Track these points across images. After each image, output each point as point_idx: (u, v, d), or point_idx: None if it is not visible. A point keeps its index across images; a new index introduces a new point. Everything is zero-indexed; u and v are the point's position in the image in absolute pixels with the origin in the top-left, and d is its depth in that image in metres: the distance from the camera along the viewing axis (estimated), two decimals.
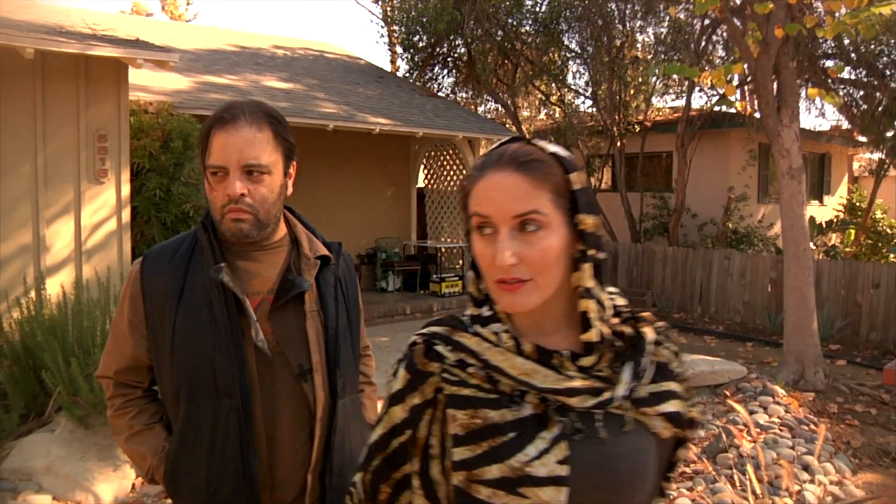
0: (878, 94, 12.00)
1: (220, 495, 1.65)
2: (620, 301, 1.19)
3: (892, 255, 13.94)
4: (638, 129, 13.70)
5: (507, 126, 14.33)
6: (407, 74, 15.41)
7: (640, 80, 13.72)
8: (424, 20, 13.94)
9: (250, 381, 1.65)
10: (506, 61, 14.59)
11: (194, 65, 10.20)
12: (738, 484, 4.37)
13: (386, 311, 10.20)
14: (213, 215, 1.68)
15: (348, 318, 1.81)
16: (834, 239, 14.40)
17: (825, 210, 15.37)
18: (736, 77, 8.98)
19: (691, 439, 1.21)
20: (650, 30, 13.68)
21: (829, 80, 11.78)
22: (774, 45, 6.58)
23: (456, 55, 15.08)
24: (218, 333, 1.64)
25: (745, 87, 10.08)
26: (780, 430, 5.20)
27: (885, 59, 11.59)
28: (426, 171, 12.80)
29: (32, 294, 5.07)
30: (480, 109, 16.60)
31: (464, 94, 16.25)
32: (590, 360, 1.08)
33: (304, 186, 11.08)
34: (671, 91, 14.38)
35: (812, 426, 5.40)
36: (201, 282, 1.67)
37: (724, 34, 11.91)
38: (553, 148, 1.10)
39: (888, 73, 11.64)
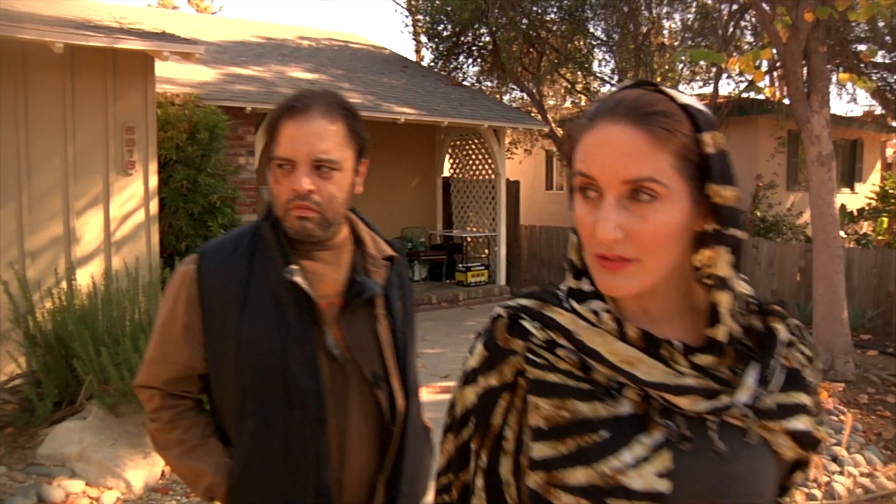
0: None
1: None
2: (746, 288, 0.99)
3: None
4: None
5: (533, 114, 14.26)
6: (432, 64, 15.38)
7: (666, 66, 13.58)
8: (449, 9, 13.90)
9: (324, 389, 1.53)
10: (531, 49, 14.51)
11: (220, 56, 10.27)
12: None
13: None
14: (276, 210, 1.56)
15: (408, 320, 1.71)
16: (866, 227, 14.18)
17: (857, 198, 15.13)
18: (764, 63, 8.86)
19: (811, 462, 1.00)
20: (677, 16, 13.57)
21: (862, 65, 11.57)
22: (804, 30, 6.47)
23: (481, 44, 15.02)
24: (289, 338, 1.52)
25: (774, 73, 9.93)
26: None
27: None
28: (451, 161, 12.79)
29: (64, 285, 5.14)
30: (506, 98, 16.53)
31: (489, 83, 16.20)
32: (708, 358, 0.90)
33: None
34: (698, 78, 14.23)
35: (841, 417, 5.34)
36: (268, 282, 1.55)
37: (753, 19, 11.73)
38: (685, 99, 0.89)
39: None
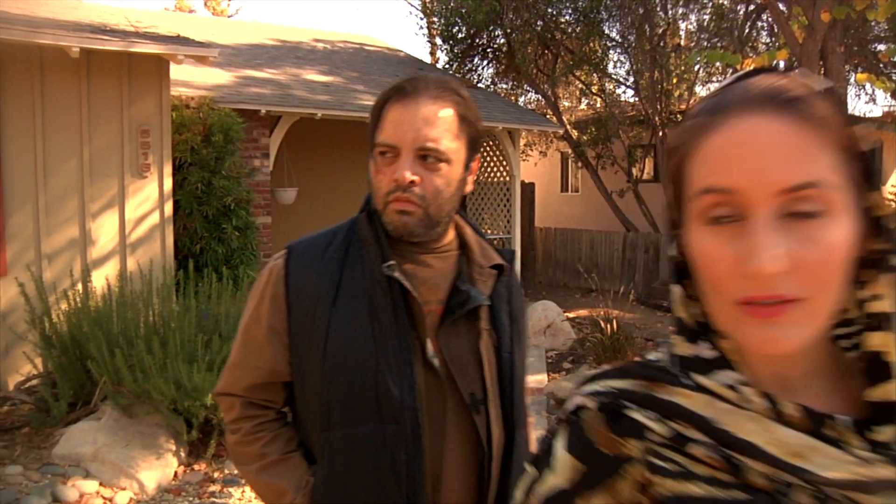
0: None
1: None
2: None
3: None
4: (680, 118, 13.48)
5: (548, 116, 14.23)
6: (446, 66, 15.38)
7: (682, 68, 13.52)
8: (463, 11, 13.90)
9: (420, 405, 1.36)
10: (546, 51, 14.48)
11: (235, 59, 10.32)
12: None
13: None
14: (376, 203, 1.41)
15: (518, 338, 1.52)
16: None
17: None
18: (781, 63, 8.79)
19: None
20: (692, 17, 13.48)
21: (881, 65, 11.46)
22: (821, 30, 6.41)
23: (495, 46, 15.01)
24: (383, 344, 1.36)
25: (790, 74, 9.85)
26: None
27: None
28: None
29: (79, 286, 5.19)
30: (521, 100, 16.51)
31: (504, 85, 16.18)
32: (890, 431, 0.65)
33: (346, 177, 11.17)
34: (714, 79, 14.14)
35: None
36: (362, 281, 1.39)
37: (769, 20, 11.65)
38: (823, 84, 0.68)
39: None
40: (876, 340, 0.67)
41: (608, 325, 7.54)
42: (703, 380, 0.68)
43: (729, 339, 0.68)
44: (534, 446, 1.54)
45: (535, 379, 6.78)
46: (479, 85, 14.72)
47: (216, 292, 5.13)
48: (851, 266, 0.65)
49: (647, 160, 14.95)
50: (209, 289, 5.15)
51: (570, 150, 14.85)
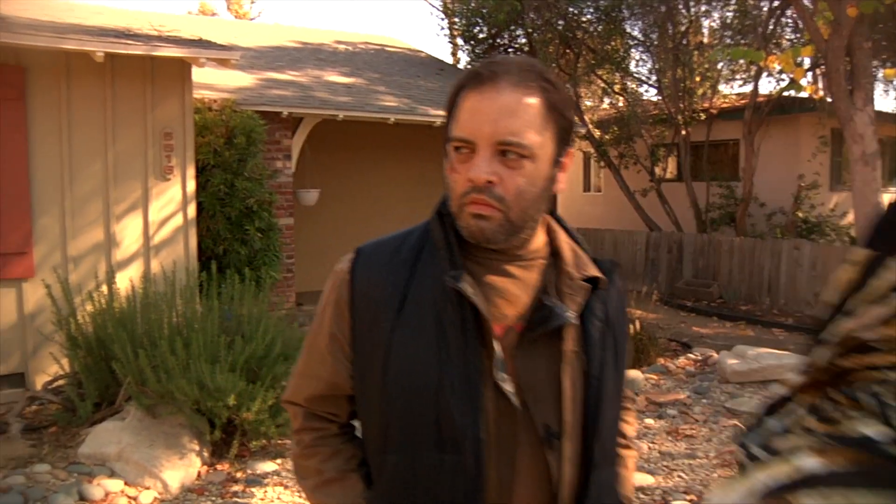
0: None
1: None
2: None
3: None
4: (703, 116, 13.38)
5: None
6: (468, 66, 15.38)
7: (705, 66, 13.41)
8: (484, 11, 13.90)
9: (486, 434, 1.19)
10: (567, 51, 14.43)
11: (257, 62, 10.40)
12: None
13: None
14: (451, 205, 1.24)
15: (616, 363, 1.31)
16: None
17: None
18: (806, 60, 8.69)
19: None
20: (715, 14, 13.37)
21: None
22: (847, 25, 6.33)
23: (517, 46, 14.99)
24: (448, 363, 1.19)
25: (816, 70, 9.74)
26: None
27: None
28: None
29: (104, 288, 5.25)
30: None
31: None
32: None
33: (367, 178, 11.21)
34: (738, 77, 14.01)
35: None
36: (430, 291, 1.23)
37: (794, 16, 11.52)
38: None
39: None
40: None
41: (632, 326, 7.49)
42: None
43: None
44: (632, 483, 1.42)
45: None
46: None
47: (239, 293, 5.16)
48: None
49: (669, 159, 14.85)
50: (232, 290, 5.18)
51: (592, 150, 14.78)
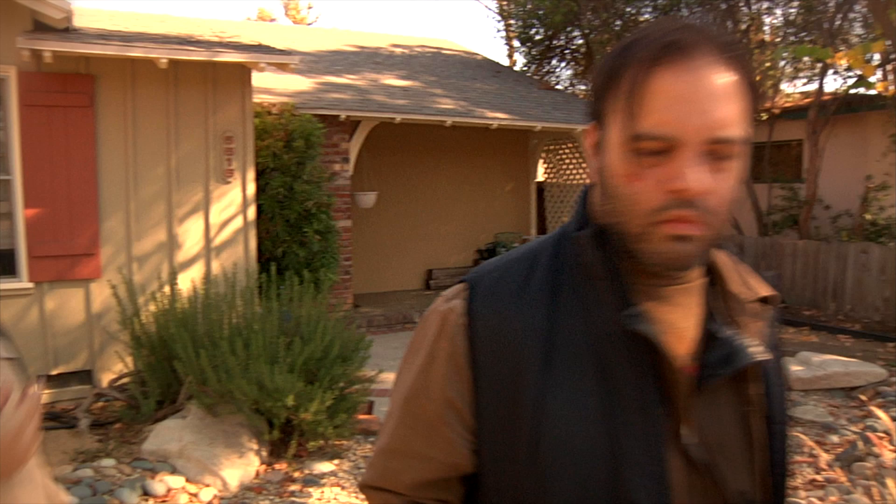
0: None
1: None
2: None
3: None
4: (765, 116, 13.06)
5: None
6: (524, 68, 15.33)
7: (767, 64, 13.08)
8: (541, 13, 13.84)
9: None
10: None
11: (315, 66, 10.53)
12: (876, 496, 4.08)
13: None
14: (626, 223, 0.92)
15: (788, 399, 1.08)
16: None
17: None
18: (876, 56, 8.40)
19: None
20: (778, 11, 13.02)
21: None
22: None
23: (573, 47, 14.89)
24: (623, 429, 0.92)
25: (887, 67, 9.41)
26: None
27: None
28: (545, 165, 12.72)
29: (167, 289, 5.38)
30: None
31: (582, 87, 16.01)
32: None
33: (424, 181, 11.25)
34: (802, 75, 13.63)
35: None
36: (585, 334, 0.94)
37: (863, 10, 11.16)
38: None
39: None
40: None
41: None
42: None
43: None
44: None
45: None
46: (558, 87, 14.59)
47: (298, 295, 5.23)
48: None
49: None
50: (291, 291, 5.25)
51: None
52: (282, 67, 6.69)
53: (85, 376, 5.88)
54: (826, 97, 12.08)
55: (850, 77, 12.02)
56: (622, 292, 0.94)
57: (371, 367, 5.19)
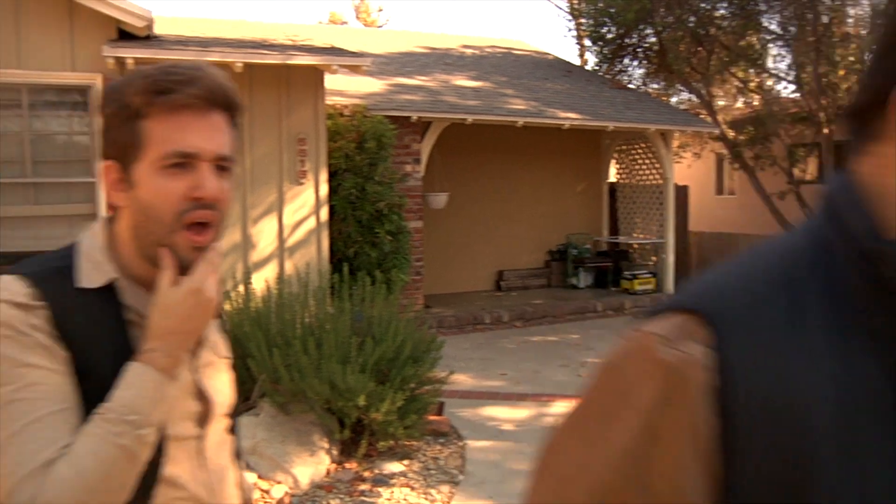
0: None
1: None
2: None
3: None
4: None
5: (702, 117, 13.66)
6: (595, 67, 15.13)
7: (851, 58, 12.56)
8: (612, 11, 13.62)
9: None
10: (699, 48, 13.90)
11: (386, 68, 10.60)
12: None
13: (577, 307, 10.08)
14: None
15: None
16: None
17: None
18: None
19: None
20: (864, 1, 12.49)
21: None
22: None
23: (646, 45, 14.60)
24: None
25: None
26: None
27: None
28: (617, 165, 12.52)
29: (241, 288, 5.47)
30: (673, 100, 15.95)
31: (655, 85, 15.70)
32: None
33: (496, 182, 11.20)
34: None
35: None
36: (877, 383, 0.63)
37: None
38: None
39: None
40: None
41: None
42: None
43: None
44: None
45: None
46: (630, 86, 14.35)
47: (370, 295, 5.24)
48: None
49: (809, 160, 14.01)
50: (363, 292, 5.27)
51: (725, 151, 14.18)
52: (354, 69, 6.74)
53: None
54: None
55: None
56: None
57: (442, 368, 5.17)
